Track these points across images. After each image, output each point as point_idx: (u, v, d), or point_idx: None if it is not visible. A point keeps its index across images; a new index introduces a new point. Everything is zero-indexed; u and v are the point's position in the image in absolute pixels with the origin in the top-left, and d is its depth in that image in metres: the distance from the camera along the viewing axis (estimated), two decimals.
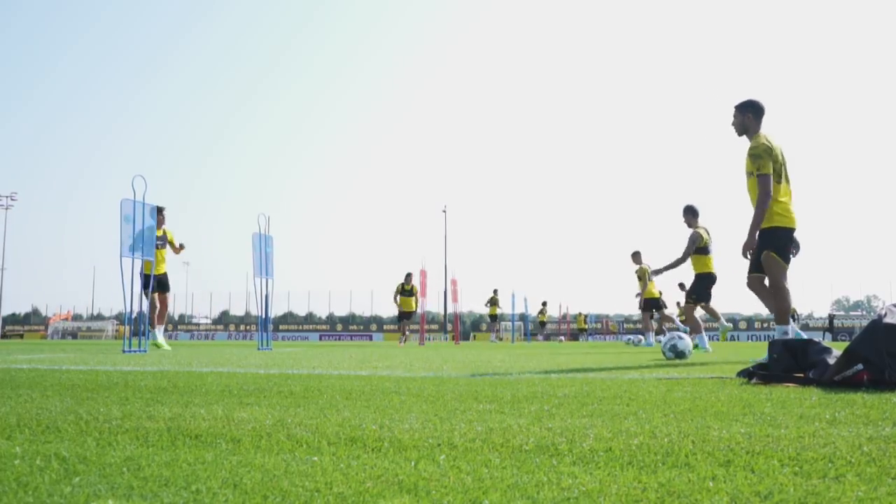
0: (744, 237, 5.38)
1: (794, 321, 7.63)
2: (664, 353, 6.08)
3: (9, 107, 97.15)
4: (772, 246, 5.31)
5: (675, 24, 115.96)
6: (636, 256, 14.16)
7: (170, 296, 10.61)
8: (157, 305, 10.29)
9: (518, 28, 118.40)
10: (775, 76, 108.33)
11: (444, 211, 46.54)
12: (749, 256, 5.34)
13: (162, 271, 10.23)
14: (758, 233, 5.31)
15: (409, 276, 17.41)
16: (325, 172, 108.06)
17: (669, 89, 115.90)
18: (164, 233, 10.16)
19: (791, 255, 5.36)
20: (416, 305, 17.59)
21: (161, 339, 10.30)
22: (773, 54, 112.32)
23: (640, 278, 14.33)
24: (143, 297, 9.96)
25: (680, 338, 6.06)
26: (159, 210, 10.02)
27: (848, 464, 1.29)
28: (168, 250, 10.36)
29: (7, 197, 51.14)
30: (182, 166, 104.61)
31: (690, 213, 8.69)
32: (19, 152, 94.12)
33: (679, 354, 5.99)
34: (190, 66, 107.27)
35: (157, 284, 10.06)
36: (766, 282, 5.43)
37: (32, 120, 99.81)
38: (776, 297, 5.37)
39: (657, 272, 8.97)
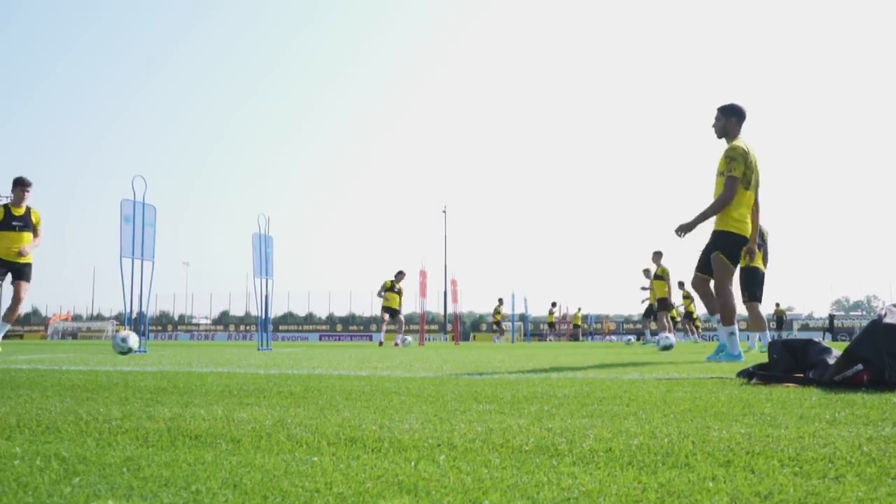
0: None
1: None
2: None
3: (9, 107, 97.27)
4: (723, 249, 5.46)
5: (674, 25, 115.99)
6: (657, 256, 14.21)
7: (28, 289, 8.45)
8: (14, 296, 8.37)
9: (519, 28, 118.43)
10: (776, 77, 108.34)
11: (444, 211, 46.51)
12: (681, 235, 5.47)
13: (23, 258, 8.34)
14: (713, 234, 5.50)
15: (401, 274, 15.64)
16: (325, 172, 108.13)
17: (670, 90, 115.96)
18: (28, 212, 8.40)
19: (740, 263, 5.60)
20: (400, 304, 15.90)
21: None
22: (775, 54, 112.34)
23: (659, 277, 14.38)
24: None
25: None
26: (19, 182, 8.36)
27: (848, 464, 1.29)
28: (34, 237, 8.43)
29: (7, 197, 51.19)
30: (182, 166, 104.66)
31: None
32: (19, 152, 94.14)
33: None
34: (190, 67, 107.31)
35: (14, 272, 8.31)
36: (712, 284, 5.61)
37: (32, 120, 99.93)
38: (720, 298, 5.58)
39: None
